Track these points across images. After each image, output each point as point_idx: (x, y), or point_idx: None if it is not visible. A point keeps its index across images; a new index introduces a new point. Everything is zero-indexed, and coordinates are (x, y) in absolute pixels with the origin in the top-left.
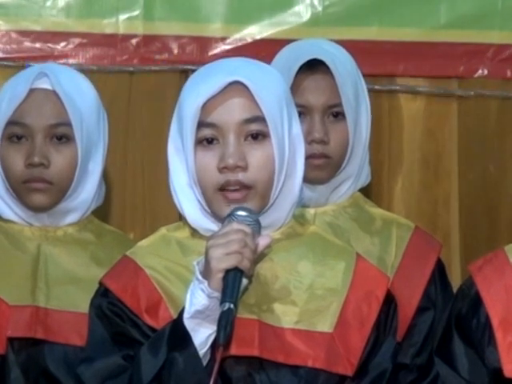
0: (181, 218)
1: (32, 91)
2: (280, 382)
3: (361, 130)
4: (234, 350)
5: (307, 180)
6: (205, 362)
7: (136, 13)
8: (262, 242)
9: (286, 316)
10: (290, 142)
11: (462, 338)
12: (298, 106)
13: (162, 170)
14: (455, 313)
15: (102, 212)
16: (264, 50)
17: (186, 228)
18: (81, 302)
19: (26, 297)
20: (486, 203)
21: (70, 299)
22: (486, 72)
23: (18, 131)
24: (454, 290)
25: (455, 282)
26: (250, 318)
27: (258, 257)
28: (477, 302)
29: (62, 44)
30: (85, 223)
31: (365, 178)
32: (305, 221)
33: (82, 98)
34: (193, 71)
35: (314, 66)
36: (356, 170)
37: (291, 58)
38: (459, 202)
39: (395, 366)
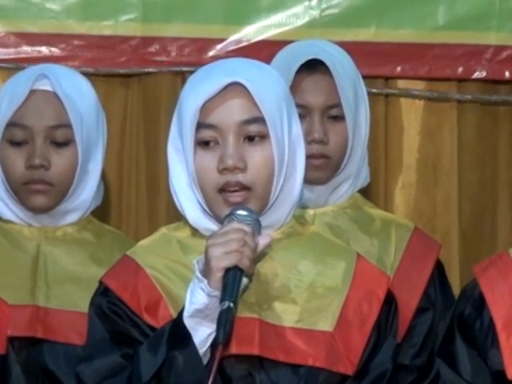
0: (179, 218)
1: (32, 92)
2: (280, 381)
3: (360, 131)
4: (234, 349)
5: (306, 180)
6: (205, 361)
7: (134, 15)
8: (262, 241)
9: (286, 315)
10: (289, 142)
11: (465, 339)
12: (297, 106)
13: (159, 171)
14: (458, 314)
15: (99, 214)
16: (262, 51)
17: (186, 228)
18: (80, 301)
19: (26, 296)
20: (484, 204)
21: (69, 299)
22: (484, 73)
23: (18, 133)
24: (454, 290)
25: (454, 282)
26: (251, 316)
27: (258, 256)
28: (480, 304)
29: (61, 46)
30: (84, 223)
31: (364, 179)
32: (305, 221)
33: (81, 98)
34: (191, 73)
35: (314, 67)
36: (355, 171)
37: (290, 58)
38: (458, 203)
39: (395, 367)
